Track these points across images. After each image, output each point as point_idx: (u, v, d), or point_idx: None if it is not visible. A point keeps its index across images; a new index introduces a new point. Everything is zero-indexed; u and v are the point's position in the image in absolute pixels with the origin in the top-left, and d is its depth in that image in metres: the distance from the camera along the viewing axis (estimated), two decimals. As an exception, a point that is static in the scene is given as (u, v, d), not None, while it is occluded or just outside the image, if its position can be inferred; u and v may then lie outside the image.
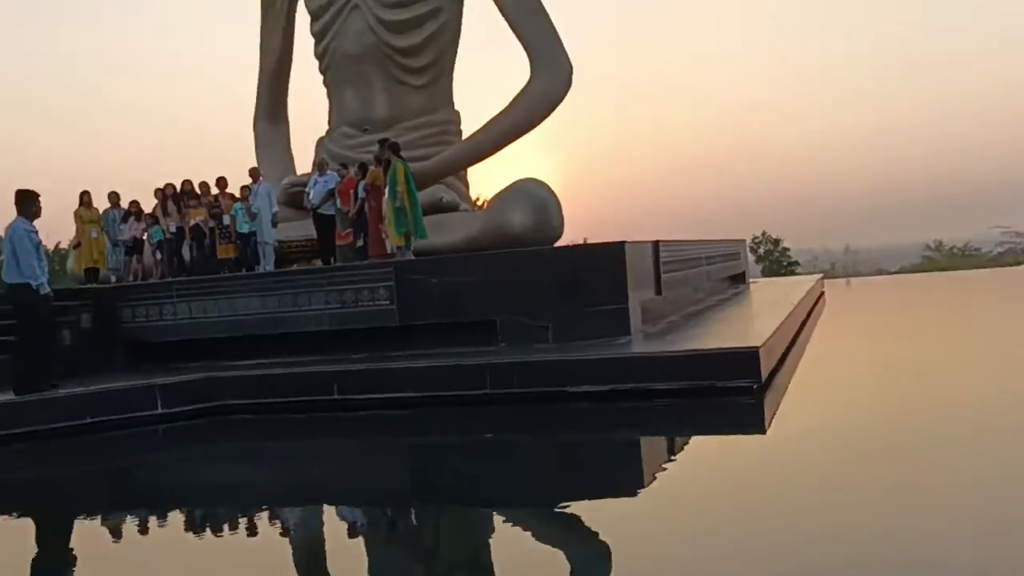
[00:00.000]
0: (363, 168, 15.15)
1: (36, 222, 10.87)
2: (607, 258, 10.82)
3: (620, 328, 10.61)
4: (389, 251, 13.80)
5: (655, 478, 6.46)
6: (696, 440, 7.81)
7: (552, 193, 14.97)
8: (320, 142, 19.52)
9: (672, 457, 7.37)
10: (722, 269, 18.16)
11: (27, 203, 10.77)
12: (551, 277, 11.03)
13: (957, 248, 53.71)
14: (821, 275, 29.67)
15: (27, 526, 6.94)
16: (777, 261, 40.24)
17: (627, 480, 6.46)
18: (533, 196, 14.51)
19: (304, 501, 6.81)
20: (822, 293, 21.33)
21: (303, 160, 20.58)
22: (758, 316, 12.75)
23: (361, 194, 14.87)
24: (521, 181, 15.02)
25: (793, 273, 38.97)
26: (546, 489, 6.34)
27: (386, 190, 13.49)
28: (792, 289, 18.12)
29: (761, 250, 40.94)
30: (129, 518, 6.73)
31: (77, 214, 16.12)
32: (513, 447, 8.27)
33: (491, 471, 7.22)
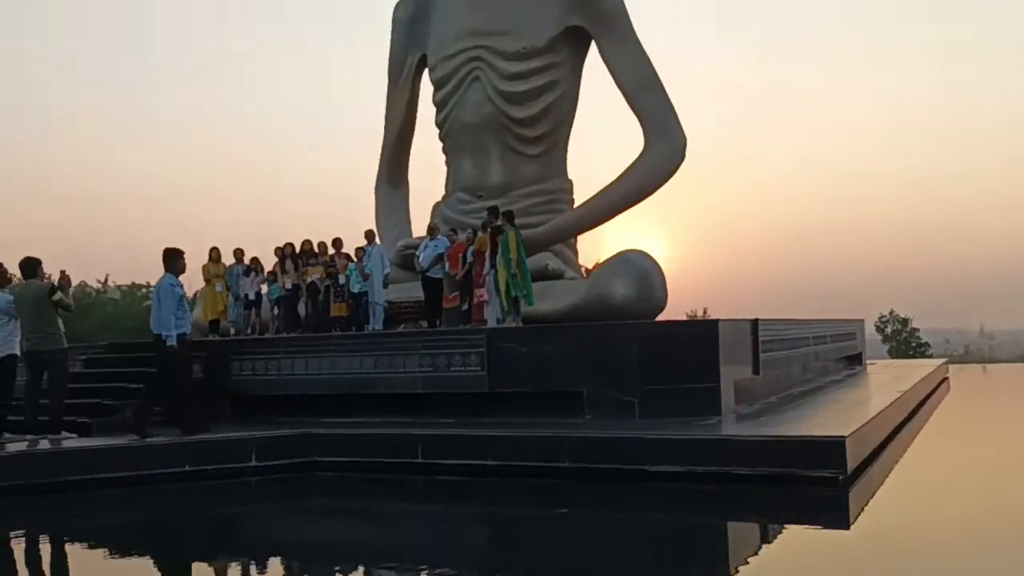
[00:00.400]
0: (473, 233, 15.56)
1: (181, 277, 11.85)
2: (699, 335, 10.69)
3: (710, 407, 10.42)
4: (498, 317, 14.04)
5: (714, 567, 6.29)
6: (771, 530, 7.55)
7: (655, 264, 14.94)
8: (436, 207, 20.14)
9: (739, 545, 7.14)
10: (835, 349, 17.58)
11: (173, 260, 11.79)
12: (640, 351, 10.94)
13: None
14: (945, 360, 28.16)
15: (136, 568, 7.27)
16: (905, 342, 38.44)
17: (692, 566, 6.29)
18: (636, 266, 14.53)
19: (375, 563, 6.92)
20: (945, 379, 20.30)
21: (420, 224, 21.25)
22: (862, 402, 12.25)
23: (469, 259, 15.26)
24: (625, 251, 15.08)
25: (923, 355, 37.18)
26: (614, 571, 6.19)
27: (499, 256, 13.78)
28: (909, 373, 17.31)
29: (888, 329, 39.23)
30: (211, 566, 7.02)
31: (205, 268, 17.12)
32: (584, 523, 8.18)
33: (562, 547, 7.16)
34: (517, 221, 18.26)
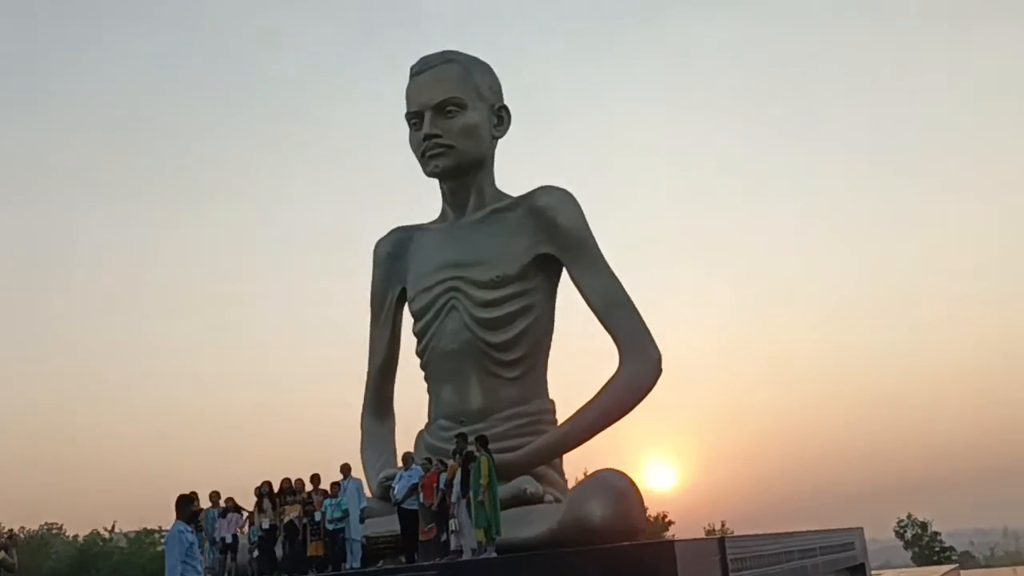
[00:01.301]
0: (443, 463, 15.49)
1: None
2: (657, 559, 10.40)
3: (675, 634, 9.96)
4: (473, 548, 13.71)
5: None
6: None
7: (632, 483, 14.80)
8: (420, 435, 20.16)
9: None
10: (828, 562, 16.92)
11: (184, 506, 11.79)
12: None
13: None
14: (955, 566, 26.94)
15: None
16: (928, 547, 36.88)
17: None
18: (611, 487, 14.37)
19: None
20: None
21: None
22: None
23: (442, 487, 15.12)
24: (600, 471, 14.97)
25: (947, 560, 35.54)
26: None
27: (471, 483, 13.67)
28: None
29: (908, 535, 37.77)
30: None
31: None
32: None
33: None
34: (498, 444, 18.36)
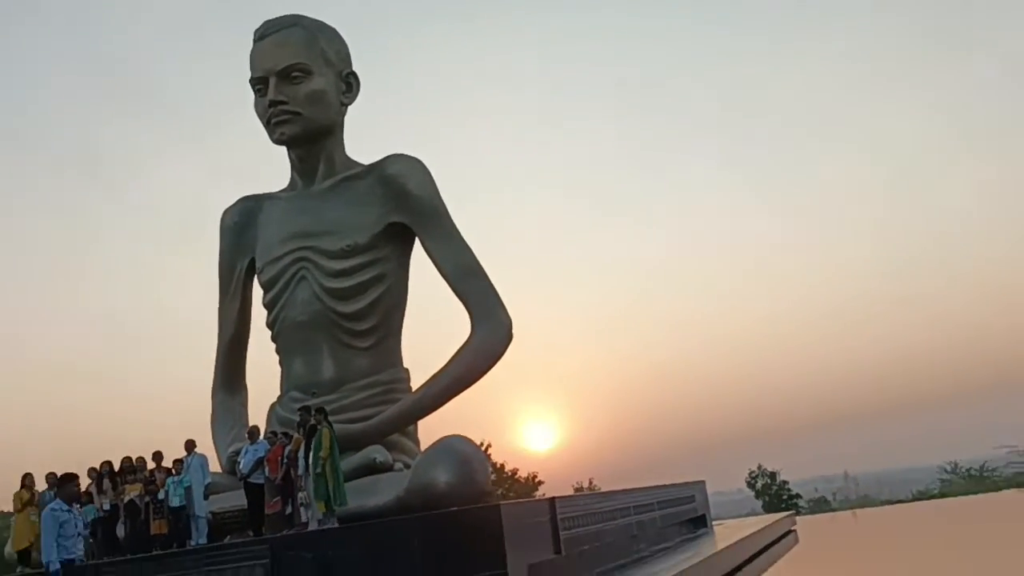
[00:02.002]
0: (287, 436, 15.37)
1: None
2: (483, 522, 10.65)
3: (501, 595, 10.24)
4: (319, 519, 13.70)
5: None
6: None
7: (476, 448, 15.06)
8: (272, 408, 19.89)
9: None
10: (667, 516, 17.71)
11: (63, 485, 11.64)
12: (422, 545, 10.81)
13: (974, 470, 52.26)
14: (792, 512, 28.67)
15: None
16: (777, 495, 39.04)
17: None
18: (456, 452, 14.54)
19: None
20: (790, 531, 20.58)
21: (265, 427, 20.83)
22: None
23: (286, 460, 15.01)
24: (444, 438, 15.12)
25: (794, 507, 37.74)
26: None
27: (310, 456, 13.62)
28: (737, 532, 17.53)
29: (759, 484, 39.86)
30: None
31: (17, 496, 16.23)
32: None
33: None
34: (352, 415, 18.36)
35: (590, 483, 55.85)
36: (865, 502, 50.44)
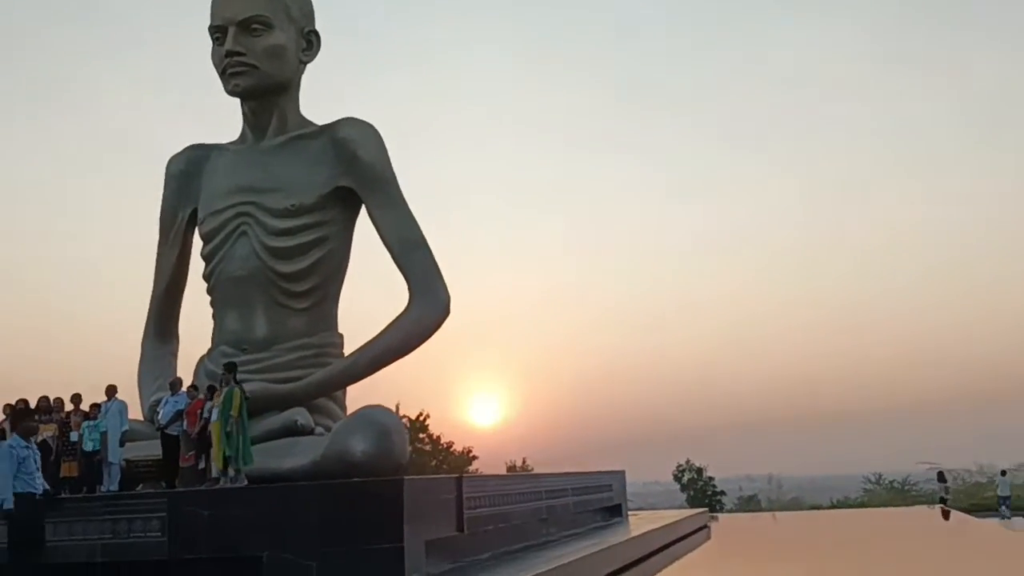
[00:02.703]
0: (211, 390, 15.27)
1: None
2: (383, 494, 10.73)
3: (393, 569, 10.34)
4: (213, 475, 13.70)
5: None
6: None
7: (397, 420, 15.19)
8: (201, 361, 19.73)
9: None
10: (580, 503, 17.97)
11: (19, 419, 11.45)
12: (321, 512, 10.87)
13: (897, 482, 53.61)
14: (704, 510, 29.24)
15: None
16: (701, 491, 39.74)
17: None
18: (375, 423, 14.59)
19: None
20: (702, 528, 21.02)
21: (191, 379, 20.68)
22: (562, 556, 12.49)
23: (205, 415, 14.93)
24: (365, 407, 15.18)
25: (718, 503, 38.50)
26: None
27: (215, 413, 13.57)
28: (649, 524, 17.86)
29: (685, 478, 40.53)
30: None
31: None
32: None
33: None
34: (281, 375, 18.31)
35: (523, 462, 56.31)
36: (794, 504, 51.60)
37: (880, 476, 54.87)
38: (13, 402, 16.50)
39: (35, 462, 11.96)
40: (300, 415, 16.73)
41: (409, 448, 14.78)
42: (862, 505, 44.69)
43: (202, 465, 14.80)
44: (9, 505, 11.16)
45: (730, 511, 44.26)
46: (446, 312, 18.86)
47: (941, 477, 40.53)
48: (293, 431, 16.26)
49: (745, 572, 14.84)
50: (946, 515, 33.33)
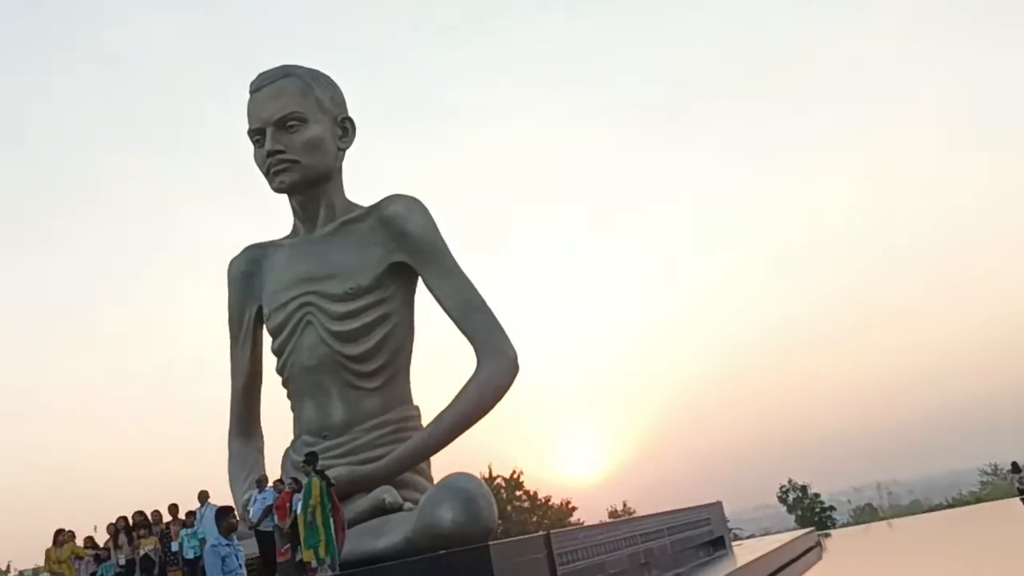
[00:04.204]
0: (296, 482, 15.50)
1: None
2: (472, 564, 10.69)
3: (493, 635, 10.28)
4: (313, 566, 13.84)
5: None
6: None
7: (480, 484, 15.14)
8: (286, 453, 20.10)
9: None
10: (681, 541, 17.59)
11: (223, 517, 12.23)
12: None
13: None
14: (811, 529, 28.30)
15: None
16: (809, 508, 38.52)
17: None
18: (460, 490, 14.64)
19: None
20: (812, 547, 20.38)
21: (279, 473, 21.05)
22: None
23: (295, 508, 15.13)
24: (448, 476, 15.23)
25: (829, 520, 37.25)
26: None
27: (299, 505, 13.76)
28: (755, 552, 17.37)
29: (790, 499, 39.37)
30: None
31: (48, 554, 16.52)
32: None
33: None
34: (362, 456, 18.51)
35: (624, 506, 55.48)
36: (914, 508, 49.72)
37: (996, 467, 52.54)
38: (114, 520, 17.08)
39: (237, 559, 12.23)
40: (387, 493, 16.87)
41: (497, 511, 14.72)
42: (979, 500, 42.82)
43: (299, 557, 14.97)
44: None
45: (844, 525, 42.85)
46: (516, 368, 18.90)
47: (1015, 468, 38.91)
48: (383, 510, 16.42)
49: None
50: None
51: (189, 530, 15.95)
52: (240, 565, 12.10)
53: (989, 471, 53.36)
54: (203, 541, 15.84)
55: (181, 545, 15.92)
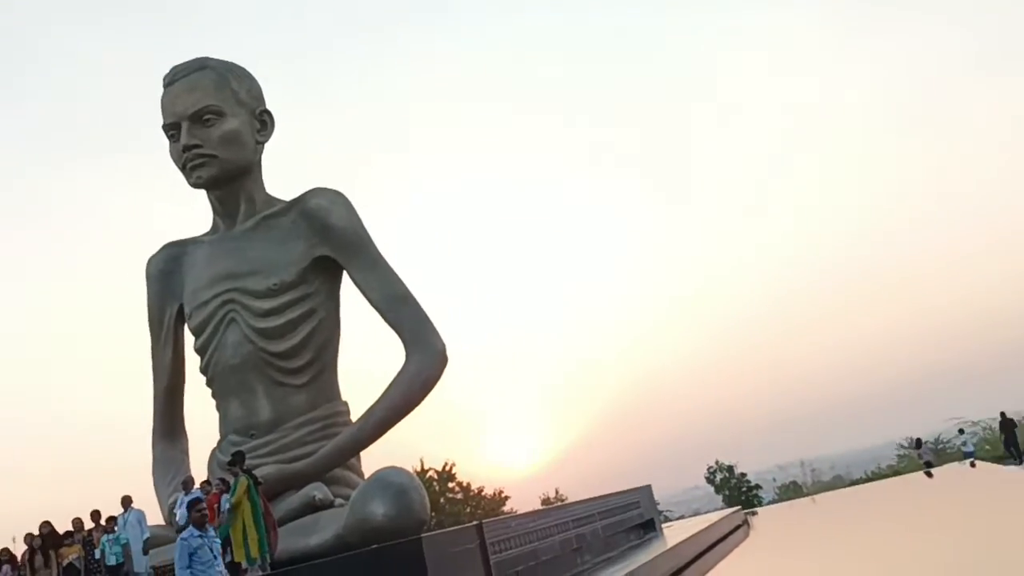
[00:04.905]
0: (224, 483, 15.23)
1: None
2: (405, 557, 10.68)
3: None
4: (244, 566, 13.64)
5: None
6: None
7: (412, 478, 15.09)
8: (212, 454, 19.73)
9: None
10: (611, 525, 17.83)
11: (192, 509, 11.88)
12: None
13: (930, 443, 53.28)
14: (738, 508, 29.05)
15: None
16: (736, 488, 39.44)
17: None
18: (391, 484, 14.59)
19: None
20: (740, 525, 20.89)
21: (204, 474, 20.64)
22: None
23: (223, 508, 14.87)
24: (380, 471, 15.15)
25: (755, 499, 38.16)
26: None
27: (227, 505, 13.54)
28: (684, 533, 17.73)
29: (717, 479, 40.24)
30: None
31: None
32: None
33: None
34: (291, 453, 18.28)
35: (556, 493, 55.94)
36: (837, 483, 51.27)
37: (912, 440, 54.56)
38: (36, 529, 16.54)
39: (211, 551, 11.78)
40: (318, 490, 16.69)
41: (429, 504, 14.71)
42: (897, 473, 44.41)
43: (229, 558, 14.71)
44: None
45: (770, 502, 44.02)
46: (444, 360, 18.87)
47: (918, 443, 42.00)
48: (313, 507, 16.25)
49: (781, 563, 14.76)
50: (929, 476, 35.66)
51: (111, 536, 15.52)
52: (216, 556, 11.76)
53: (906, 445, 55.42)
54: (125, 546, 15.47)
55: (103, 552, 15.48)
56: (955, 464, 39.69)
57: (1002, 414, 38.55)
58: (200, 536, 11.49)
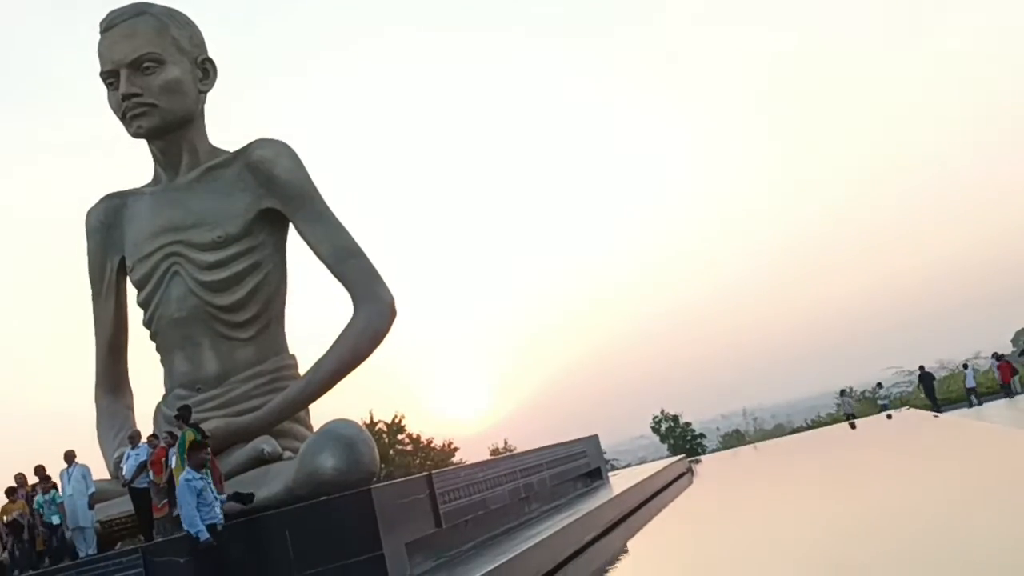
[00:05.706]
0: (172, 436, 15.15)
1: None
2: (354, 508, 10.78)
3: (378, 576, 10.43)
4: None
5: None
6: None
7: (361, 430, 15.14)
8: (158, 408, 19.53)
9: None
10: (559, 474, 18.17)
11: (193, 454, 11.96)
12: (294, 537, 10.92)
13: (868, 392, 54.89)
14: (682, 456, 29.76)
15: None
16: (681, 437, 40.28)
17: None
18: (339, 436, 14.60)
19: None
20: (684, 473, 21.42)
21: (151, 428, 20.47)
22: (543, 531, 12.68)
23: (170, 462, 14.80)
24: (328, 423, 15.16)
25: (699, 448, 39.05)
26: None
27: (174, 459, 13.49)
28: (630, 480, 18.14)
29: (663, 429, 41.04)
30: None
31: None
32: None
33: None
34: (239, 407, 18.19)
35: (505, 443, 56.58)
36: (778, 431, 52.63)
37: (850, 389, 56.10)
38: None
39: (212, 492, 11.95)
40: (266, 443, 16.66)
41: (379, 456, 14.79)
42: (835, 421, 45.73)
43: (176, 512, 14.68)
44: (206, 536, 11.22)
45: (714, 451, 45.13)
46: (393, 313, 18.82)
47: (842, 392, 44.21)
48: (262, 460, 16.23)
49: (722, 507, 15.21)
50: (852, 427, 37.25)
51: (45, 496, 15.35)
52: (216, 497, 11.91)
53: (845, 393, 57.00)
54: (61, 504, 15.33)
55: (41, 511, 15.33)
56: (880, 416, 41.12)
57: (921, 367, 40.22)
58: (202, 478, 11.58)
